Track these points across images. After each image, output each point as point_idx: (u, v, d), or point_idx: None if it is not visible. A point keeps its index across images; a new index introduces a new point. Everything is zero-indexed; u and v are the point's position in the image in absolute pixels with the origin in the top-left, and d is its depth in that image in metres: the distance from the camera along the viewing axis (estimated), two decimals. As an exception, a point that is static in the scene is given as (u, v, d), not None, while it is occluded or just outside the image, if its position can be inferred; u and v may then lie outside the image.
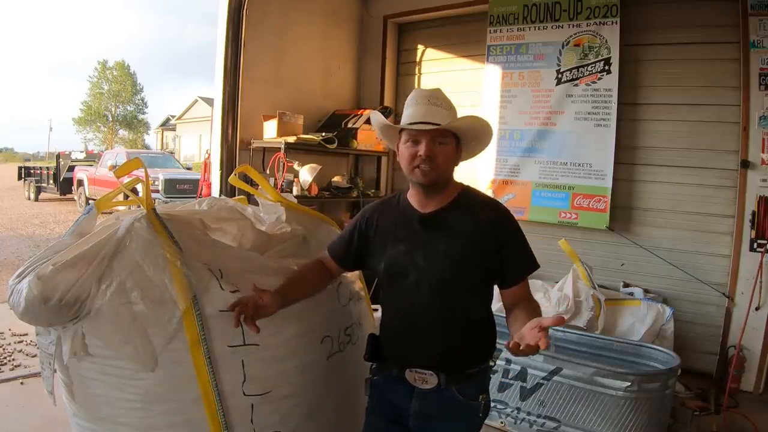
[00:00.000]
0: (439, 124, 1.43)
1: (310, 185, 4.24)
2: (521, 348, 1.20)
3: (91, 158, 15.51)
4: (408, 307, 1.51)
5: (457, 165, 1.54)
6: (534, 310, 1.43)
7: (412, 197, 1.56)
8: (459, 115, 1.51)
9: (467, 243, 1.47)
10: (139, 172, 1.62)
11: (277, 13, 4.42)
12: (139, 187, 1.69)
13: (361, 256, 1.63)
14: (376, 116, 1.61)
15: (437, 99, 1.48)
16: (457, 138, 1.50)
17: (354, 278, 1.99)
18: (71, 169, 14.46)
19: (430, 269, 1.47)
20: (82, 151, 18.28)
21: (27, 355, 3.56)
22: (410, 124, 1.46)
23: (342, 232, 1.73)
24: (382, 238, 1.57)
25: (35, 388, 2.99)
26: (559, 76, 4.15)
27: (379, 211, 1.62)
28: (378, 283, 1.63)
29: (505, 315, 1.52)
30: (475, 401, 1.52)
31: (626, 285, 3.90)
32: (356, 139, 4.54)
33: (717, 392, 3.27)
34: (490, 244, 1.48)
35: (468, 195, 1.57)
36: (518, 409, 2.82)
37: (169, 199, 9.72)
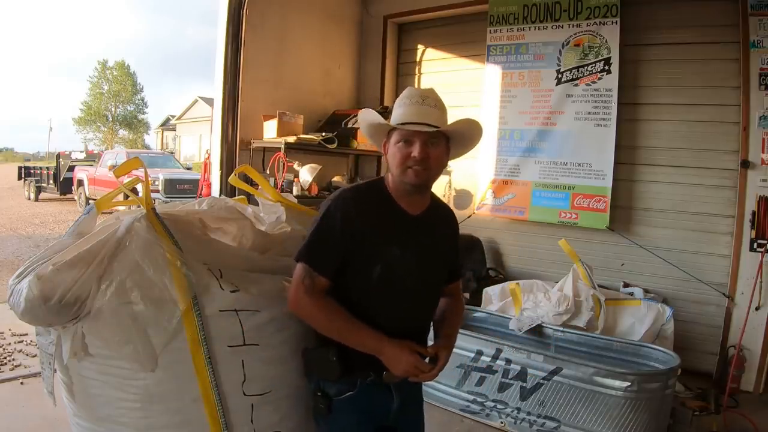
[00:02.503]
0: (434, 126, 1.40)
1: (310, 185, 4.24)
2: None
3: (91, 158, 15.49)
4: (401, 312, 1.47)
5: (445, 167, 1.54)
6: (456, 324, 1.64)
7: (400, 196, 1.48)
8: (454, 116, 1.48)
9: (449, 244, 1.61)
10: (139, 172, 1.61)
11: (278, 13, 4.43)
12: (139, 187, 1.68)
13: (342, 262, 1.45)
14: (368, 114, 1.56)
15: (430, 99, 1.44)
16: (447, 139, 1.48)
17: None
18: (71, 169, 14.46)
19: (423, 273, 1.49)
20: (82, 151, 18.25)
21: (27, 355, 3.56)
22: (405, 123, 1.42)
23: (320, 242, 1.44)
24: (372, 238, 1.44)
25: (35, 388, 2.99)
26: (559, 76, 4.15)
27: (364, 206, 1.45)
28: (358, 287, 1.45)
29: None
30: None
31: (626, 285, 3.90)
32: (356, 139, 4.54)
33: (717, 392, 3.27)
34: (454, 244, 1.66)
35: (434, 195, 1.60)
36: (518, 409, 2.82)
37: (169, 199, 9.72)
